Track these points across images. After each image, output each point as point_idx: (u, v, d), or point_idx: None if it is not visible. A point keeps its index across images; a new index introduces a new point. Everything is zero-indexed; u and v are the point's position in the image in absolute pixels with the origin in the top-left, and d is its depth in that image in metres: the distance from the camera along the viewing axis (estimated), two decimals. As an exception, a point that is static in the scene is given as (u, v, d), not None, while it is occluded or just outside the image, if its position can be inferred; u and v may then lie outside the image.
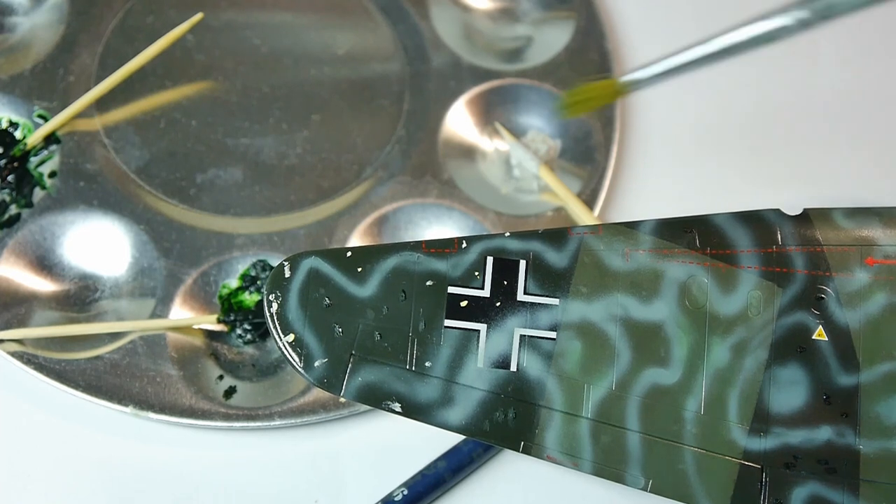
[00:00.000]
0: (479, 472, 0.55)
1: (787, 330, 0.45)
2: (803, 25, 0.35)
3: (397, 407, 0.43)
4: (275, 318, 0.43)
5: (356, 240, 0.60)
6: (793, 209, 0.46)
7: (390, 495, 0.53)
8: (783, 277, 0.45)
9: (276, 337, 0.43)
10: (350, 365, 0.43)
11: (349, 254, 0.44)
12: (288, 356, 0.43)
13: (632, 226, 0.46)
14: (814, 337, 0.45)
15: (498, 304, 0.44)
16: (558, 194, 0.61)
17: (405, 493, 0.52)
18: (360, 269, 0.44)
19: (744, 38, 0.36)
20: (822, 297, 0.45)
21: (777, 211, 0.46)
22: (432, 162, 0.63)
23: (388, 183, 0.62)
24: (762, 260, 0.45)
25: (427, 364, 0.44)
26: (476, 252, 0.45)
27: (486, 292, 0.44)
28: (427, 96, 0.65)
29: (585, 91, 0.43)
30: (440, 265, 0.44)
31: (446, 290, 0.44)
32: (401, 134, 0.64)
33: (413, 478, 0.53)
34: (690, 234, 0.45)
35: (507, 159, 0.64)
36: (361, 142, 0.64)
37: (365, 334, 0.44)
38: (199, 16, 0.62)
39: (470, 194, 0.61)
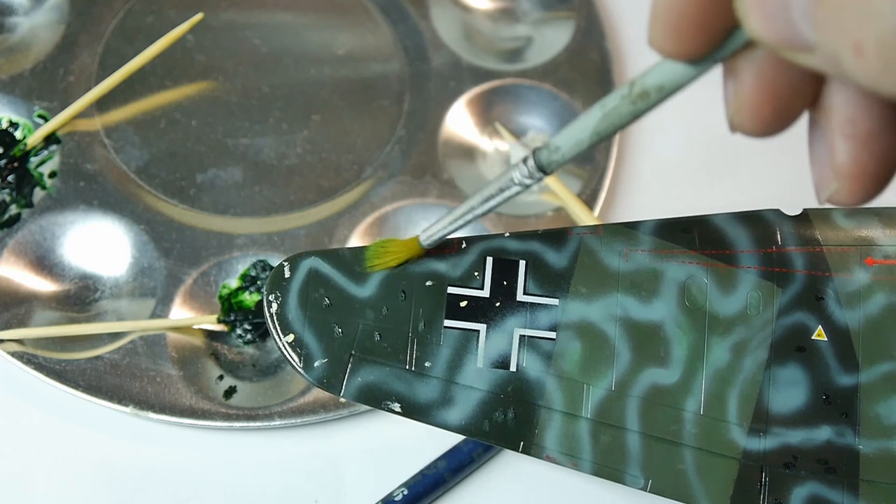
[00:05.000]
0: (479, 472, 0.55)
1: (787, 330, 0.45)
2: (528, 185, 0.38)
3: (397, 407, 0.43)
4: (274, 318, 0.43)
5: (356, 240, 0.60)
6: (792, 209, 0.47)
7: (390, 495, 0.53)
8: (783, 277, 0.45)
9: (276, 337, 0.43)
10: (350, 365, 0.43)
11: (349, 254, 0.44)
12: (287, 356, 0.43)
13: (631, 226, 0.46)
14: (813, 337, 0.45)
15: (497, 304, 0.44)
16: (558, 194, 0.61)
17: (405, 493, 0.53)
18: (359, 270, 0.44)
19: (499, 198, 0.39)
20: (822, 298, 0.45)
21: (777, 211, 0.46)
22: (432, 162, 0.63)
23: (388, 183, 0.62)
24: (762, 260, 0.45)
25: (427, 364, 0.44)
26: (475, 252, 0.45)
27: (485, 292, 0.44)
28: (427, 96, 0.65)
29: (388, 245, 0.44)
30: (440, 265, 0.44)
31: (446, 290, 0.44)
32: (401, 134, 0.64)
33: (413, 478, 0.53)
34: (690, 235, 0.45)
35: (507, 159, 0.64)
36: (361, 142, 0.64)
37: (364, 334, 0.44)
38: (199, 16, 0.62)
39: (470, 194, 0.61)
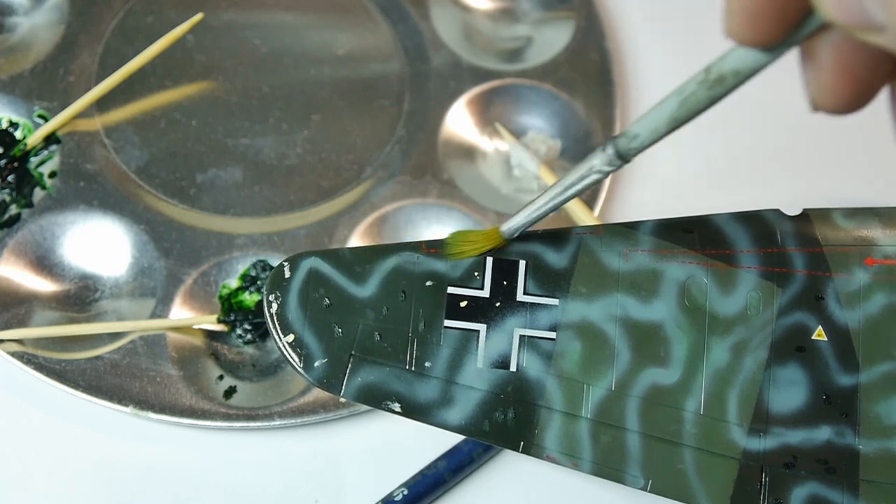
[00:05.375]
0: (479, 472, 0.55)
1: (787, 330, 0.45)
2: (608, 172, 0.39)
3: (397, 407, 0.43)
4: (274, 318, 0.43)
5: (356, 240, 0.60)
6: (792, 209, 0.47)
7: (390, 495, 0.53)
8: (783, 277, 0.45)
9: (276, 337, 0.43)
10: (350, 365, 0.43)
11: (349, 254, 0.44)
12: (288, 356, 0.43)
13: (631, 226, 0.46)
14: (813, 337, 0.45)
15: (497, 304, 0.44)
16: (558, 194, 0.61)
17: (405, 493, 0.53)
18: (359, 270, 0.44)
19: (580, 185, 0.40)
20: (822, 298, 0.45)
21: (776, 211, 0.46)
22: (432, 162, 0.63)
23: (388, 183, 0.62)
24: (762, 260, 0.45)
25: (427, 364, 0.44)
26: None
27: (485, 292, 0.44)
28: (427, 96, 0.65)
29: (468, 236, 0.44)
30: (440, 265, 0.44)
31: (446, 290, 0.44)
32: (401, 134, 0.64)
33: (413, 478, 0.53)
34: (690, 235, 0.45)
35: (507, 159, 0.64)
36: (361, 142, 0.64)
37: (365, 334, 0.44)
38: (199, 16, 0.62)
39: (470, 194, 0.61)
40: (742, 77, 0.32)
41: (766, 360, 0.45)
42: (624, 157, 0.37)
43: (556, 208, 0.41)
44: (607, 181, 0.62)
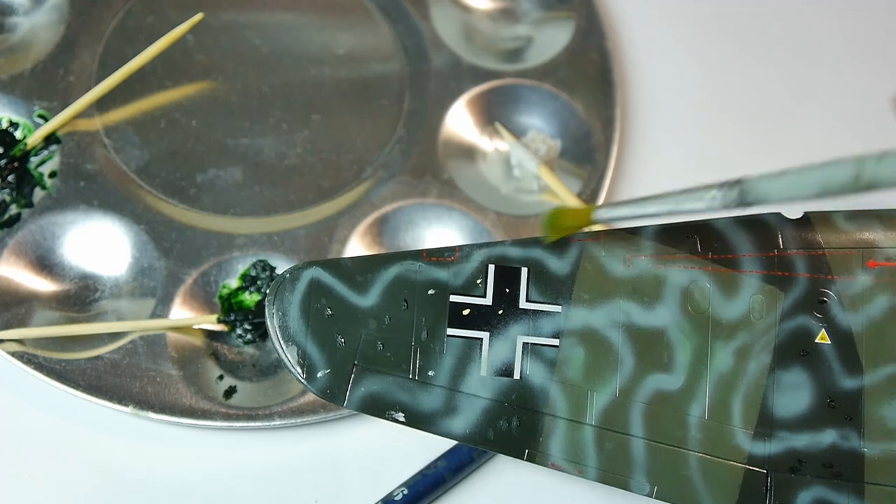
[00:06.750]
0: (479, 472, 0.55)
1: (790, 334, 0.45)
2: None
3: (401, 417, 0.43)
4: (277, 328, 0.43)
5: (356, 240, 0.60)
6: (794, 212, 0.47)
7: (390, 495, 0.53)
8: (785, 281, 0.45)
9: (279, 348, 0.43)
10: (353, 375, 0.43)
11: (350, 263, 0.44)
12: (290, 367, 0.43)
13: (633, 232, 0.46)
14: (816, 340, 0.45)
15: (500, 311, 0.44)
16: (558, 194, 0.61)
17: (405, 492, 0.53)
18: (361, 279, 0.44)
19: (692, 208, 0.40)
20: (825, 301, 0.45)
21: (778, 214, 0.46)
22: (432, 162, 0.63)
23: (388, 183, 0.62)
24: (764, 264, 0.45)
25: (430, 373, 0.44)
26: (477, 260, 0.45)
27: (488, 300, 0.44)
28: (427, 96, 0.65)
29: (564, 215, 0.44)
30: (441, 274, 0.44)
31: (448, 298, 0.44)
32: (401, 134, 0.64)
33: (413, 478, 0.53)
34: (692, 240, 0.45)
35: (507, 159, 0.64)
36: (361, 142, 0.64)
37: (367, 344, 0.43)
38: (199, 16, 0.61)
39: (470, 194, 0.61)
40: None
41: (769, 364, 0.45)
42: (744, 205, 0.37)
43: (651, 222, 0.42)
44: (607, 183, 0.62)
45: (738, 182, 0.37)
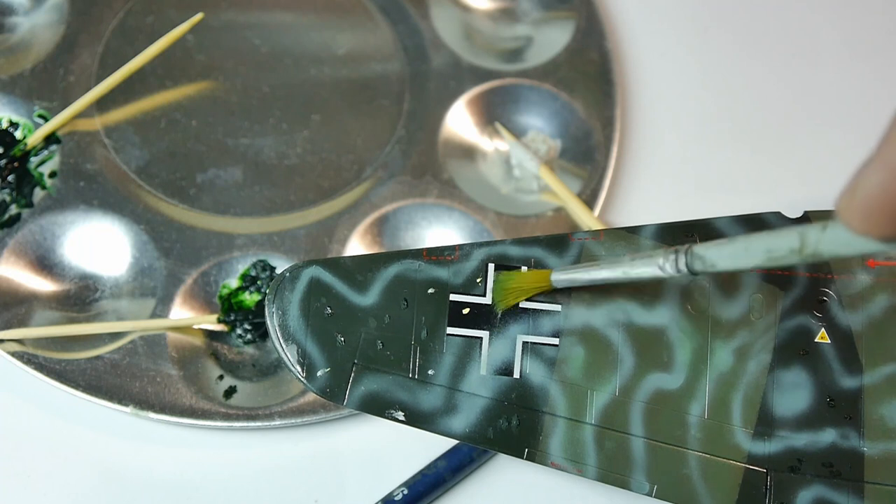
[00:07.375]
0: (479, 472, 0.55)
1: (790, 333, 0.45)
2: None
3: (401, 416, 0.43)
4: (277, 327, 0.43)
5: (356, 240, 0.60)
6: (794, 211, 0.47)
7: (390, 495, 0.53)
8: (785, 280, 0.45)
9: (278, 347, 0.43)
10: (352, 374, 0.43)
11: (350, 262, 0.44)
12: (290, 366, 0.43)
13: (633, 230, 0.46)
14: (816, 340, 0.45)
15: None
16: (558, 194, 0.61)
17: (405, 492, 0.53)
18: (361, 278, 0.44)
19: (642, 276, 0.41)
20: (824, 300, 0.45)
21: (778, 214, 0.46)
22: (432, 162, 0.63)
23: (388, 183, 0.62)
24: None
25: (430, 372, 0.44)
26: (477, 259, 0.45)
27: (487, 299, 0.44)
28: (427, 96, 0.65)
29: (518, 279, 0.45)
30: (441, 272, 0.44)
31: (448, 297, 0.44)
32: (401, 134, 0.64)
33: (413, 478, 0.53)
34: (692, 239, 0.45)
35: (507, 159, 0.64)
36: (361, 142, 0.64)
37: (367, 343, 0.44)
38: (199, 16, 0.62)
39: (470, 194, 0.61)
40: (840, 258, 0.32)
41: (769, 363, 0.45)
42: (692, 273, 0.38)
43: (611, 282, 0.42)
44: (607, 183, 0.62)
45: (687, 249, 0.38)
